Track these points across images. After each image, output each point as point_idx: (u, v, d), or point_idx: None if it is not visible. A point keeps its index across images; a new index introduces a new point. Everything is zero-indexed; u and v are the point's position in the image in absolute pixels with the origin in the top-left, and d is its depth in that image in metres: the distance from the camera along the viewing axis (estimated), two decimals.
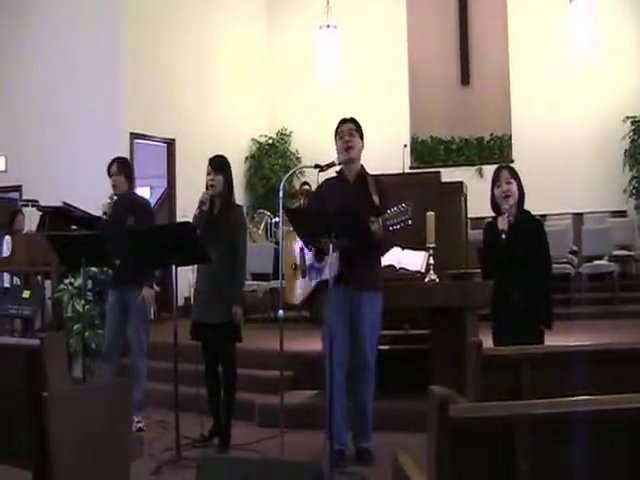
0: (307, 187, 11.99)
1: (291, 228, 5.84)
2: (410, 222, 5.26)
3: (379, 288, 5.68)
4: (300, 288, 5.88)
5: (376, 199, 5.54)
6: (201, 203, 6.10)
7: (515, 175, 5.40)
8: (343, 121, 5.78)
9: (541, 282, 5.25)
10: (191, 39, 13.52)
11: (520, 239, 5.16)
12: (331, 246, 5.16)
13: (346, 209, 5.36)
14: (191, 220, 6.14)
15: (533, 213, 5.53)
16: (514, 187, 5.34)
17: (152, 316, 10.09)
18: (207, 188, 6.16)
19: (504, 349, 4.31)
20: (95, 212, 7.15)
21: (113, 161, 6.96)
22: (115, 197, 6.86)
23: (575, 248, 11.69)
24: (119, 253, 6.54)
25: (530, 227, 5.35)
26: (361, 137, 5.75)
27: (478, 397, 3.50)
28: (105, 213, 6.75)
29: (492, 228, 5.34)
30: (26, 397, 3.99)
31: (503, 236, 5.17)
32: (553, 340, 5.08)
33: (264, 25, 15.48)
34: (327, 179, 5.89)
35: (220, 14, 14.14)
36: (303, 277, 5.78)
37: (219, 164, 6.21)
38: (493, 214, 5.47)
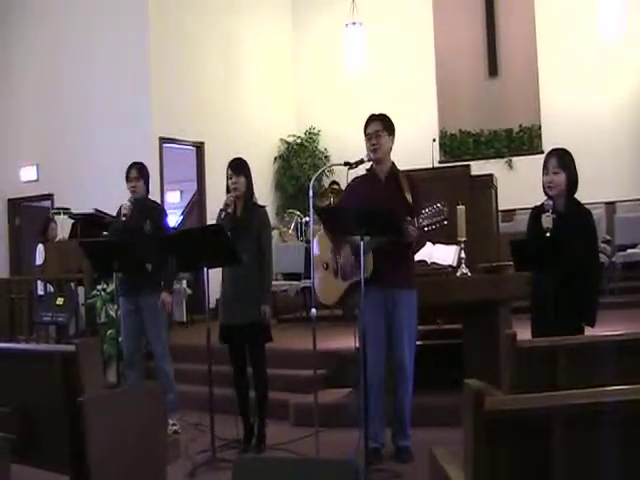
0: (336, 186, 11.99)
1: (321, 227, 5.83)
2: (446, 222, 5.23)
3: (414, 286, 5.66)
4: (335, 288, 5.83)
5: (409, 197, 5.51)
6: (226, 206, 6.12)
7: (564, 163, 5.12)
8: (369, 120, 5.73)
9: (587, 276, 5.02)
10: (217, 41, 13.55)
11: (566, 233, 4.95)
12: (362, 244, 5.14)
13: (378, 207, 5.32)
14: None
15: None
16: (560, 178, 5.08)
17: (184, 319, 10.16)
18: (228, 191, 6.19)
19: (538, 340, 4.28)
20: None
21: (132, 166, 6.98)
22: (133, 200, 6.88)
23: (608, 237, 11.59)
24: (145, 255, 6.58)
25: (577, 219, 5.10)
26: (391, 133, 5.68)
27: (513, 389, 3.48)
28: (124, 215, 6.76)
29: (535, 217, 5.15)
30: (62, 402, 4.01)
31: (548, 234, 4.99)
32: (587, 330, 5.00)
33: (290, 25, 15.50)
34: (357, 177, 5.83)
35: (246, 15, 14.15)
36: (335, 277, 5.74)
37: (239, 166, 6.24)
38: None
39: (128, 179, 6.91)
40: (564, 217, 5.06)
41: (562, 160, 5.15)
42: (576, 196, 5.22)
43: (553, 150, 5.29)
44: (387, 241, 5.31)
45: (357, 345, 5.46)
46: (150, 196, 7.18)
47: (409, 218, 5.21)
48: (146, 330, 6.83)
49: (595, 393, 2.63)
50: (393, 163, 5.75)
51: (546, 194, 5.19)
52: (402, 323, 5.51)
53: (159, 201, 10.32)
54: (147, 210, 6.90)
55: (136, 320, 6.81)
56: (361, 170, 5.84)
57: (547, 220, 5.01)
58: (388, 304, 5.50)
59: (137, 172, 6.92)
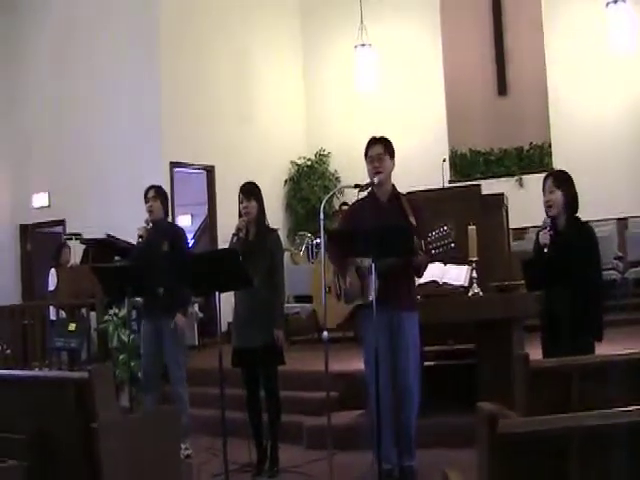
0: (346, 207, 12.00)
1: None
2: (453, 245, 5.23)
3: (416, 308, 5.66)
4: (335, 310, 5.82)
5: (412, 220, 5.51)
6: (238, 230, 6.15)
7: (561, 182, 5.21)
8: (371, 142, 5.71)
9: (590, 293, 5.05)
10: (229, 65, 13.61)
11: (566, 250, 5.01)
12: (372, 265, 5.13)
13: (391, 226, 5.33)
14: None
15: None
16: (556, 195, 5.17)
17: (195, 342, 10.17)
18: (241, 216, 6.21)
19: (551, 361, 4.26)
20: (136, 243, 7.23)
21: (150, 187, 7.06)
22: (150, 224, 6.92)
23: (620, 253, 11.55)
24: (157, 279, 6.60)
25: (578, 236, 5.16)
26: (392, 156, 5.67)
27: (527, 410, 3.46)
28: (141, 236, 6.82)
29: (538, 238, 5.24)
30: (76, 429, 4.01)
31: (545, 250, 5.06)
32: (600, 349, 4.99)
33: (300, 47, 15.58)
34: (358, 200, 5.85)
35: (257, 38, 14.22)
36: (338, 300, 5.74)
37: (250, 191, 6.27)
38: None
39: (146, 199, 6.99)
40: (564, 235, 5.14)
41: (557, 180, 5.25)
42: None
43: (549, 172, 5.45)
44: (395, 263, 5.31)
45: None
46: None
47: (416, 241, 5.21)
48: (165, 354, 6.86)
49: (609, 414, 2.62)
50: (394, 185, 5.75)
51: (547, 215, 5.27)
52: (408, 344, 5.49)
53: None
54: (166, 232, 6.95)
55: (156, 343, 6.85)
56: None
57: (544, 237, 5.11)
58: (393, 326, 5.48)
59: (154, 192, 7.00)
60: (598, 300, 5.26)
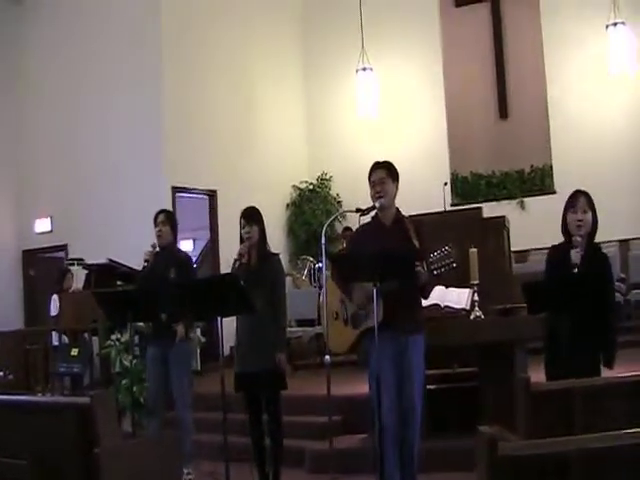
0: (349, 232, 12.03)
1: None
2: (454, 265, 5.22)
3: (422, 330, 5.63)
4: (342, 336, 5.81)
5: (416, 242, 5.51)
6: (240, 256, 6.14)
7: (592, 204, 5.18)
8: (374, 167, 5.68)
9: (605, 319, 5.03)
10: (230, 90, 13.63)
11: (590, 273, 4.97)
12: (375, 290, 5.12)
13: (391, 250, 5.32)
14: None
15: None
16: (589, 217, 5.13)
17: (198, 367, 10.15)
18: (242, 241, 6.22)
19: (552, 384, 4.26)
20: (139, 267, 7.22)
21: (160, 212, 7.07)
22: (158, 248, 6.92)
23: (623, 275, 11.53)
24: (160, 305, 6.59)
25: (596, 261, 5.13)
26: (395, 179, 5.65)
27: (529, 433, 3.46)
28: (147, 261, 6.82)
29: (556, 255, 5.19)
30: (78, 454, 4.01)
31: (575, 270, 4.99)
32: (602, 371, 4.97)
33: (301, 71, 15.62)
34: (363, 225, 5.83)
35: (258, 63, 14.28)
36: (345, 325, 5.73)
37: (252, 216, 6.27)
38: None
39: (155, 224, 6.99)
40: (586, 259, 5.06)
41: (590, 201, 5.20)
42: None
43: (579, 190, 5.32)
44: (398, 285, 5.30)
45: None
46: None
47: (417, 263, 5.21)
48: (171, 379, 6.86)
49: (611, 437, 2.62)
50: (397, 209, 5.74)
51: (564, 232, 5.24)
52: (413, 368, 5.46)
53: None
54: (173, 259, 6.94)
55: (162, 368, 6.85)
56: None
57: (576, 256, 5.03)
58: (399, 349, 5.46)
59: (164, 217, 7.01)
60: (613, 327, 5.22)
